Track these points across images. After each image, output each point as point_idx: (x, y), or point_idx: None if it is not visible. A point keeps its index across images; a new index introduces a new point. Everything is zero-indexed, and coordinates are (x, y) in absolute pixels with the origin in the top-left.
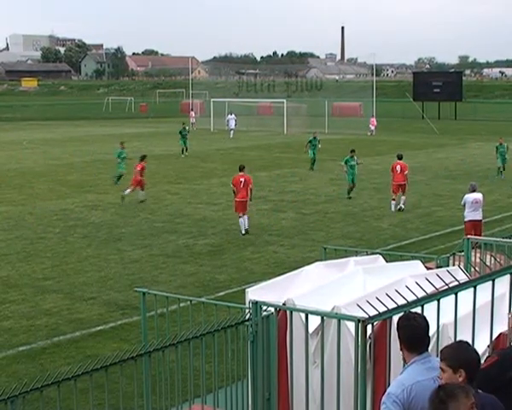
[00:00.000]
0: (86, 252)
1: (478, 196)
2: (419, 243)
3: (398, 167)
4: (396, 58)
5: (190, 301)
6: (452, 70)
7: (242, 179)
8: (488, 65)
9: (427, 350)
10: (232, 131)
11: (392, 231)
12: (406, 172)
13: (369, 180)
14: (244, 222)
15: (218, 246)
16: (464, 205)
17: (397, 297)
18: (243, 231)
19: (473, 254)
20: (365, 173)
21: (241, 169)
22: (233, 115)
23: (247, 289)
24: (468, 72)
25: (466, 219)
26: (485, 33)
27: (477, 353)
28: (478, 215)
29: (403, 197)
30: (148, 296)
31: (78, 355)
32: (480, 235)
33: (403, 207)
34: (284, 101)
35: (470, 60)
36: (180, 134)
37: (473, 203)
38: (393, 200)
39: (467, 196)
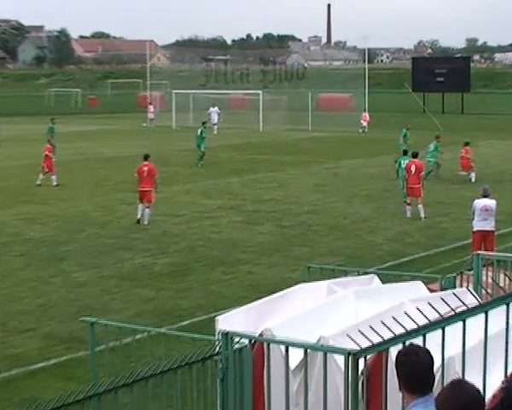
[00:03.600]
0: (23, 274)
1: (489, 202)
2: (420, 260)
3: (413, 167)
4: (392, 41)
5: (148, 332)
6: (459, 55)
7: (146, 168)
8: (501, 49)
9: (431, 390)
10: (216, 127)
11: (389, 247)
12: (422, 173)
13: (360, 186)
14: (143, 211)
15: (181, 266)
16: (474, 213)
17: (394, 326)
18: (137, 218)
19: (484, 273)
20: (356, 178)
21: (146, 158)
22: (216, 108)
23: (216, 318)
24: (477, 57)
25: (474, 229)
26: (498, 13)
27: (478, 391)
28: (488, 225)
29: (419, 206)
30: (98, 327)
31: (14, 398)
32: (491, 249)
33: (423, 216)
34: (260, 92)
35: (480, 43)
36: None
37: (482, 211)
38: (408, 204)
39: (476, 201)
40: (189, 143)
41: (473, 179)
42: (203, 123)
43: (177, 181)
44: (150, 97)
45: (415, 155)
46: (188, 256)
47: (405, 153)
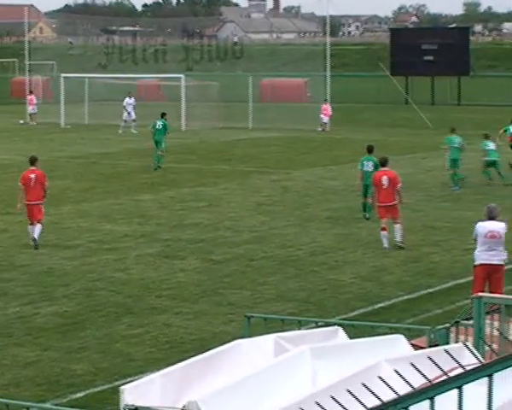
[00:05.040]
0: None
1: (497, 226)
2: (402, 305)
3: (385, 179)
4: (364, 7)
5: (27, 408)
6: (454, 25)
7: (33, 176)
8: (511, 17)
9: None
10: (134, 124)
11: (359, 288)
12: (399, 185)
13: (320, 205)
14: (34, 231)
15: (73, 317)
16: (477, 240)
17: (365, 396)
18: (31, 242)
19: (487, 322)
20: (314, 194)
21: (33, 162)
22: (132, 99)
23: (121, 387)
24: (479, 28)
25: (476, 263)
26: None
27: None
28: (495, 257)
29: (397, 226)
30: None
31: None
32: (500, 290)
33: (399, 242)
34: (182, 77)
35: (482, 9)
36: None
37: (487, 238)
38: (383, 230)
39: (479, 225)
40: (84, 147)
41: None
42: (163, 114)
43: (68, 199)
44: (30, 84)
45: (383, 163)
46: (82, 303)
47: None
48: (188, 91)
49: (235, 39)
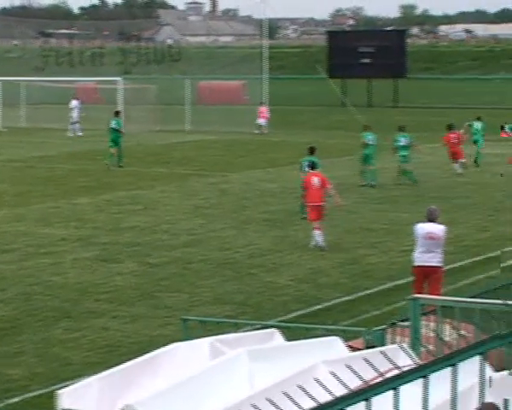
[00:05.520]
0: None
1: (435, 228)
2: (339, 307)
3: (316, 180)
4: (301, 9)
5: None
6: (391, 28)
7: None
8: (447, 20)
9: None
10: (78, 126)
11: (296, 290)
12: (329, 186)
13: (257, 207)
14: None
15: (10, 321)
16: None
17: (301, 397)
18: None
19: (424, 323)
20: (252, 197)
21: None
22: (78, 102)
23: (58, 392)
24: (415, 30)
25: (414, 264)
26: None
27: None
28: (433, 259)
29: (315, 229)
30: None
31: None
32: (437, 291)
33: (320, 242)
34: (119, 79)
35: (419, 12)
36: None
37: (426, 239)
38: (317, 228)
39: (419, 226)
40: (21, 151)
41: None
42: (116, 112)
43: (4, 203)
44: None
45: (312, 166)
46: (19, 308)
47: None
48: (125, 94)
49: (169, 42)
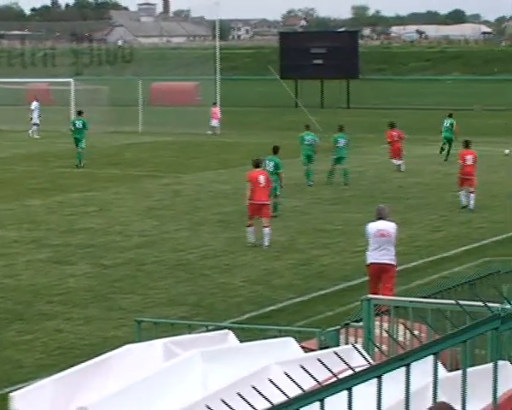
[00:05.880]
0: None
1: (386, 226)
2: (293, 308)
3: (262, 179)
4: (253, 11)
5: None
6: (343, 29)
7: None
8: (399, 21)
9: None
10: (36, 128)
11: (250, 292)
12: (269, 186)
13: (211, 209)
14: None
15: None
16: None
17: (255, 398)
18: None
19: (377, 324)
20: (205, 198)
21: None
22: (38, 103)
23: (11, 394)
24: (367, 32)
25: (367, 262)
26: None
27: None
28: (385, 256)
29: (266, 230)
30: None
31: None
32: (390, 288)
33: (266, 246)
34: (71, 81)
35: (371, 13)
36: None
37: (376, 237)
38: (250, 226)
39: (369, 225)
40: None
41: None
42: (79, 112)
43: None
44: None
45: (257, 164)
46: None
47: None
48: (77, 95)
49: (119, 43)
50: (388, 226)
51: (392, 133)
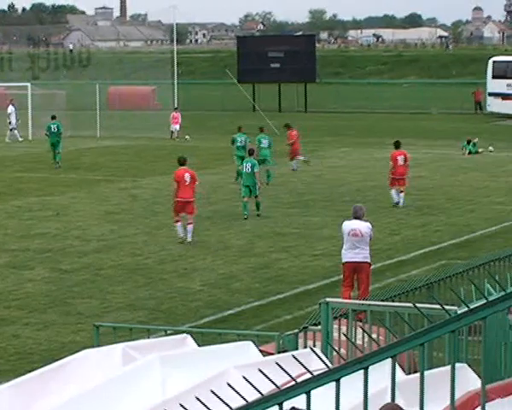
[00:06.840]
0: None
1: (359, 225)
2: (251, 312)
3: (188, 177)
4: (210, 14)
5: None
6: (300, 33)
7: None
8: (356, 25)
9: None
10: (17, 132)
11: (209, 296)
12: (197, 183)
13: (169, 213)
14: None
15: None
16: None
17: (214, 403)
18: None
19: (335, 327)
20: (164, 202)
21: None
22: (14, 107)
23: None
24: (324, 35)
25: (342, 261)
26: None
27: None
28: (359, 255)
29: (189, 227)
30: None
31: None
32: (365, 286)
33: (189, 242)
34: (28, 85)
35: (328, 17)
36: None
37: (350, 236)
38: (177, 222)
39: (345, 223)
40: None
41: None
42: (53, 117)
43: None
44: None
45: (183, 162)
46: None
47: None
48: (34, 100)
49: (71, 47)
50: (361, 226)
51: (292, 133)
